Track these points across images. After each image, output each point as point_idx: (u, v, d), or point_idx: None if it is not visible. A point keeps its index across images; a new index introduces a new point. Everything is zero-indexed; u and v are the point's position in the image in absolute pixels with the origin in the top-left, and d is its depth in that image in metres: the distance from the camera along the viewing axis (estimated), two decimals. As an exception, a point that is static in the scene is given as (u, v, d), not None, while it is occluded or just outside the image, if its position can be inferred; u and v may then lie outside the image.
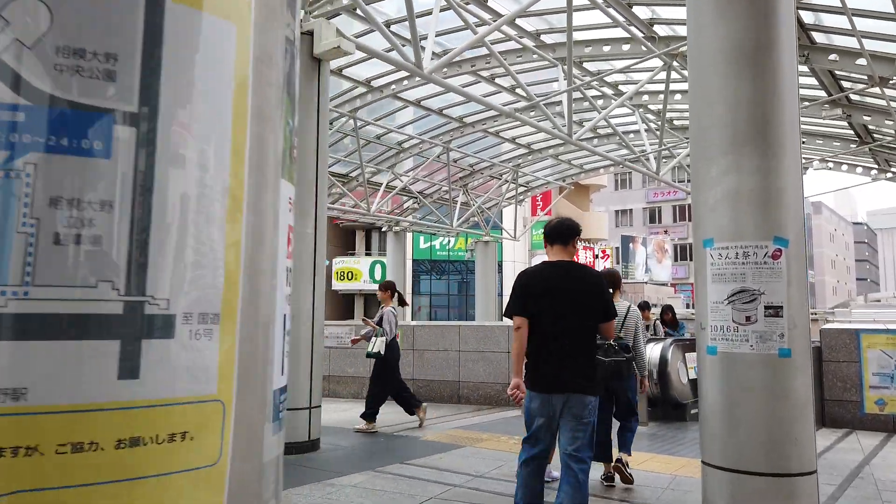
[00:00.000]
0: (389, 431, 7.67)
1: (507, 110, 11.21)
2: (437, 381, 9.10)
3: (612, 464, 5.22)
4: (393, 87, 13.34)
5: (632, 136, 15.72)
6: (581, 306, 3.61)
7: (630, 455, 5.27)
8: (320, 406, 6.59)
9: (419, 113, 16.28)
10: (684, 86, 10.98)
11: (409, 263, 23.95)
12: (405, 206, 22.63)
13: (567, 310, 3.58)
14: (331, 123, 14.06)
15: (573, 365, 3.53)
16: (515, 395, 3.65)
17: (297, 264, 5.65)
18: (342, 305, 30.31)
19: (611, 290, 4.57)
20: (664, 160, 15.12)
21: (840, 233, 69.54)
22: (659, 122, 12.79)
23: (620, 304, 5.31)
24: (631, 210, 50.99)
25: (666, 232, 45.62)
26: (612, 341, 4.83)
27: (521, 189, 21.72)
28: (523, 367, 3.67)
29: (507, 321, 6.84)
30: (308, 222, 6.29)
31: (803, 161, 6.13)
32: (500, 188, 21.95)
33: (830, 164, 15.88)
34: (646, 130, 13.63)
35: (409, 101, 14.77)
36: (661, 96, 11.95)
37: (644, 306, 8.73)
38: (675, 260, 42.01)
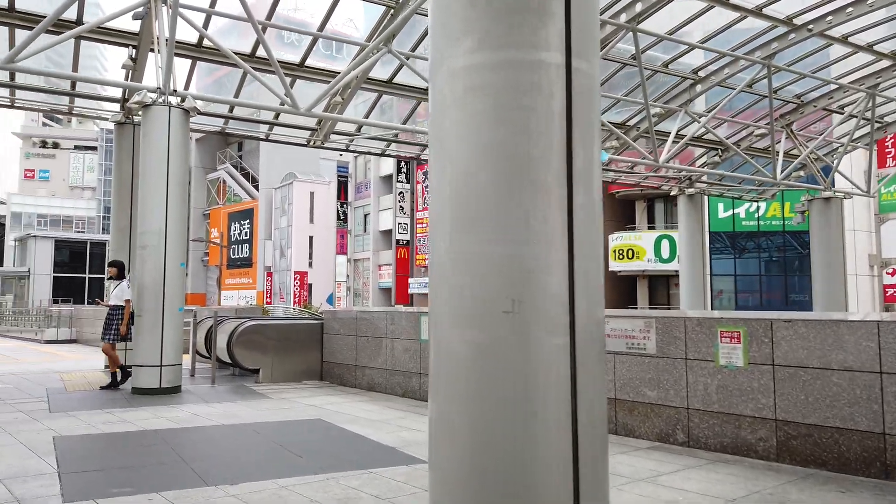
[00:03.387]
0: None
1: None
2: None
3: None
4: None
5: None
6: None
7: None
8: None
9: (722, 18, 11.57)
10: None
11: (706, 236, 18.95)
12: (701, 160, 17.68)
13: None
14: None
15: None
16: None
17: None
18: (621, 289, 26.15)
19: None
20: None
21: None
22: None
23: None
24: None
25: None
26: None
27: (875, 125, 15.29)
28: None
29: None
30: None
31: None
32: (840, 126, 15.74)
33: None
34: None
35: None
36: None
37: None
38: None
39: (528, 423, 1.99)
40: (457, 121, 2.10)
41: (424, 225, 33.24)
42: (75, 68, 11.13)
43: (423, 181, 33.34)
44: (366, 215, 38.11)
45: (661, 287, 25.29)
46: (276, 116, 13.16)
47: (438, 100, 2.18)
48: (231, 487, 4.27)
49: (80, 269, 34.30)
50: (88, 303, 40.48)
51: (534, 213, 2.01)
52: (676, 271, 24.21)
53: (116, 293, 8.92)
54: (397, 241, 34.08)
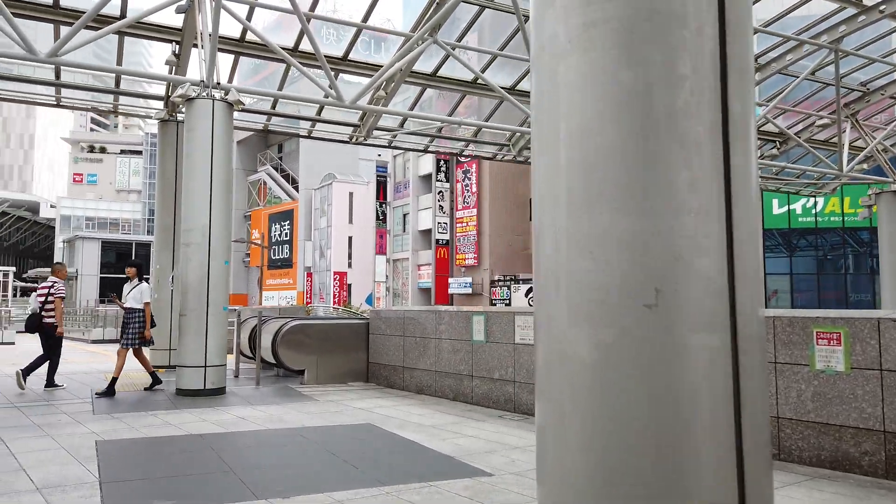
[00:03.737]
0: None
1: None
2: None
3: None
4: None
5: None
6: None
7: None
8: None
9: (779, 3, 10.95)
10: None
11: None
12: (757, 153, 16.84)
13: None
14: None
15: None
16: None
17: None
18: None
19: None
20: None
21: None
22: None
23: None
24: None
25: None
26: None
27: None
28: None
29: None
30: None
31: None
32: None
33: None
34: None
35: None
36: None
37: None
38: None
39: (677, 445, 1.54)
40: (574, 67, 1.67)
41: (464, 224, 32.82)
42: (119, 65, 11.05)
43: (463, 180, 32.94)
44: (405, 215, 37.90)
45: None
46: (319, 112, 12.91)
47: (548, 44, 1.75)
48: (284, 502, 3.91)
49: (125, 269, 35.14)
50: (107, 301, 40.83)
51: (680, 179, 1.56)
52: (728, 270, 23.28)
53: (134, 295, 8.52)
54: (437, 240, 33.75)
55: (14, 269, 50.93)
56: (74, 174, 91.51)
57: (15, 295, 48.66)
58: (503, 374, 7.49)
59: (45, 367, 8.83)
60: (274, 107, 12.60)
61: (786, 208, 22.79)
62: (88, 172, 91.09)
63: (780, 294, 22.40)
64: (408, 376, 9.00)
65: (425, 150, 15.99)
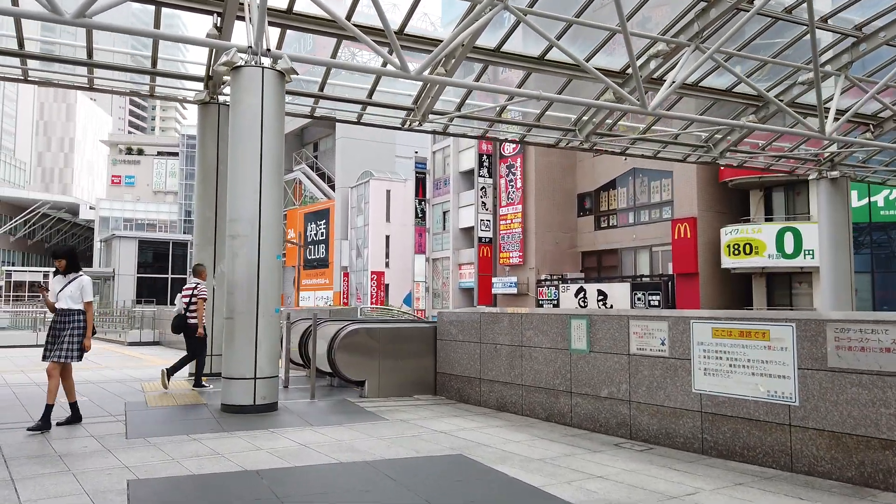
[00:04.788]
0: None
1: None
2: None
3: None
4: None
5: None
6: None
7: None
8: None
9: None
10: None
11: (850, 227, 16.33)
12: (851, 136, 15.17)
13: None
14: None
15: None
16: None
17: None
18: (732, 288, 23.57)
19: None
20: None
21: None
22: None
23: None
24: None
25: None
26: None
27: None
28: None
29: None
30: None
31: None
32: None
33: None
34: None
35: None
36: None
37: None
38: None
39: None
40: None
41: (508, 221, 31.41)
42: (156, 43, 10.00)
43: (507, 175, 31.54)
44: (445, 213, 36.62)
45: (782, 286, 22.60)
46: (370, 95, 11.72)
47: None
48: None
49: (163, 269, 34.40)
50: (31, 294, 39.38)
51: None
52: (801, 268, 21.51)
53: (72, 292, 6.19)
54: (479, 238, 32.40)
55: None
56: (112, 176, 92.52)
57: (55, 295, 48.74)
58: (614, 392, 6.15)
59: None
60: (322, 88, 11.45)
61: (866, 200, 20.94)
62: (126, 174, 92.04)
63: (861, 293, 20.55)
64: (486, 390, 7.71)
65: (482, 137, 14.71)
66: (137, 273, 33.52)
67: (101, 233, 64.99)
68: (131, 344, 19.64)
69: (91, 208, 72.41)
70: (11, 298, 43.16)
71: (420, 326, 9.05)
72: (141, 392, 8.51)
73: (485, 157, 32.77)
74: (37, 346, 18.65)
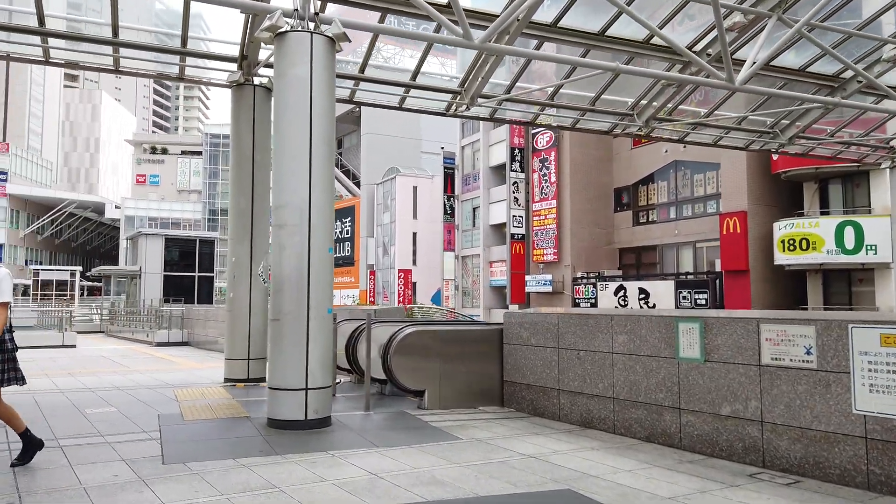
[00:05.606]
0: None
1: None
2: None
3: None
4: None
5: None
6: None
7: None
8: None
9: None
10: None
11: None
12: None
13: None
14: None
15: None
16: None
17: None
18: (786, 286, 22.26)
19: None
20: None
21: None
22: None
23: None
24: None
25: None
26: None
27: None
28: None
29: None
30: None
31: None
32: None
33: None
34: None
35: None
36: None
37: None
38: None
39: None
40: None
41: (542, 217, 30.30)
42: (186, 17, 9.14)
43: (540, 169, 30.42)
44: (475, 209, 35.58)
45: (840, 283, 21.28)
46: (414, 77, 10.77)
47: None
48: None
49: (189, 267, 33.92)
50: (59, 294, 39.31)
51: None
52: (863, 264, 20.18)
53: None
54: (512, 235, 31.35)
55: (80, 268, 51.12)
56: (137, 175, 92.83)
57: (81, 294, 48.64)
58: (739, 410, 5.12)
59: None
60: (363, 70, 10.52)
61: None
62: (151, 174, 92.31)
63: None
64: (566, 402, 6.71)
65: (531, 123, 13.68)
66: (164, 271, 33.07)
67: (127, 231, 65.03)
68: (159, 344, 18.92)
69: (116, 207, 72.51)
70: (39, 296, 42.97)
71: (483, 329, 8.08)
72: (174, 401, 7.64)
73: (516, 150, 31.70)
74: (63, 346, 17.99)
